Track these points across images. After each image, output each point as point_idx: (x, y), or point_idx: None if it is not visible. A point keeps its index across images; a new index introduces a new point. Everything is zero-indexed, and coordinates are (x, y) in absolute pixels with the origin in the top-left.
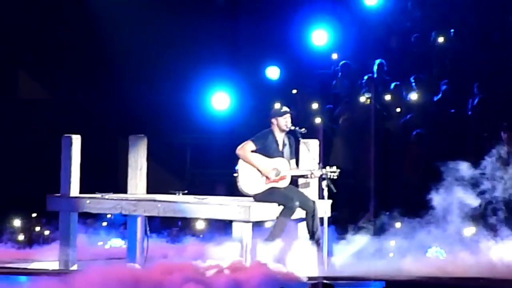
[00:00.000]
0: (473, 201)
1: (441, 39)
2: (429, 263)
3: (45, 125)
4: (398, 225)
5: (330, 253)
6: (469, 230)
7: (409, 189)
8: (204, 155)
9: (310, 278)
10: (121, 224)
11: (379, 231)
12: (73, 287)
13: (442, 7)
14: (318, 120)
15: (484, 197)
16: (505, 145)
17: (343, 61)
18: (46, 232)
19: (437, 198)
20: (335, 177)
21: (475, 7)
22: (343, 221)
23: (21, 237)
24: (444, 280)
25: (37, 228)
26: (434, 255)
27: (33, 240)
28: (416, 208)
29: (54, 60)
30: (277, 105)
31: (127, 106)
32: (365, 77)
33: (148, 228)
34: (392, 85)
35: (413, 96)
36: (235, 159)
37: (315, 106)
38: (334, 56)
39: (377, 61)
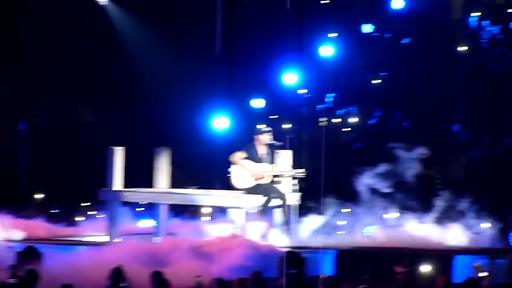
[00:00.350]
0: (392, 190)
1: (376, 80)
2: (366, 236)
3: (97, 139)
4: (345, 210)
5: (297, 231)
6: (392, 212)
7: (353, 185)
8: (209, 161)
9: (283, 248)
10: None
11: (332, 214)
12: (104, 255)
13: (377, 57)
14: (290, 135)
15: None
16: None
17: (308, 95)
18: (98, 215)
19: (370, 190)
20: (303, 176)
21: (398, 58)
22: (307, 208)
23: (79, 218)
24: (376, 249)
25: (91, 212)
26: (369, 231)
27: (88, 221)
28: (358, 197)
29: (103, 93)
30: (260, 126)
31: (155, 126)
32: (321, 106)
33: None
34: (342, 111)
35: (355, 120)
36: (230, 164)
37: (287, 126)
38: (301, 91)
39: (331, 95)
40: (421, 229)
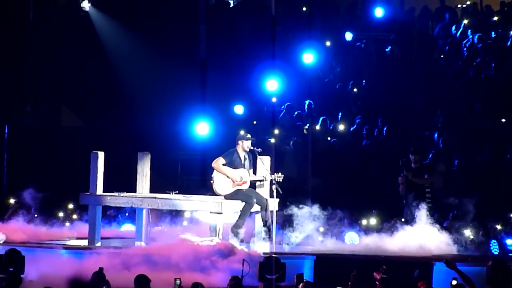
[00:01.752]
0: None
1: (356, 87)
2: (344, 243)
3: (80, 145)
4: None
5: (277, 236)
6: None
7: (335, 191)
8: (190, 167)
9: (263, 253)
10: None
11: (313, 220)
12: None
13: (357, 65)
14: (271, 141)
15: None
16: (413, 164)
17: (287, 103)
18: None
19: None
20: (281, 180)
21: (378, 65)
22: (286, 214)
23: (62, 221)
24: (356, 255)
25: (74, 216)
26: (349, 238)
27: (70, 224)
28: (337, 203)
29: (86, 98)
30: (242, 132)
31: (137, 131)
32: (296, 113)
33: (150, 217)
34: (320, 119)
35: (337, 126)
36: (211, 169)
37: (268, 133)
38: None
39: (307, 102)
40: (405, 236)
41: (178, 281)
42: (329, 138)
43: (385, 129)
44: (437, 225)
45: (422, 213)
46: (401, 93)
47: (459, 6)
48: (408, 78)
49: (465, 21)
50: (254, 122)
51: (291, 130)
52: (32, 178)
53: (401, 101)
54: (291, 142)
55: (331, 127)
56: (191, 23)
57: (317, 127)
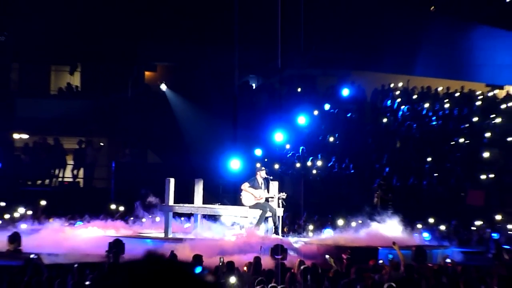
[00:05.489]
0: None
1: (332, 138)
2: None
3: (159, 174)
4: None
5: (282, 234)
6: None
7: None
8: (227, 188)
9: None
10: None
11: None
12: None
13: (332, 125)
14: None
15: None
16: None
17: (292, 152)
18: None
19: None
20: (284, 197)
21: (345, 125)
22: (289, 220)
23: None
24: (332, 244)
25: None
26: (326, 232)
27: (151, 223)
28: (321, 211)
29: (163, 144)
30: (258, 165)
31: (194, 165)
32: (296, 155)
33: (202, 220)
34: (310, 158)
35: (319, 163)
36: (240, 190)
37: (276, 167)
38: (287, 146)
39: (301, 148)
40: (371, 230)
41: (221, 259)
42: (314, 171)
43: (351, 166)
44: (398, 223)
45: (387, 215)
46: (359, 142)
47: (392, 85)
48: (364, 133)
49: (399, 99)
50: (266, 160)
51: (290, 165)
52: (129, 196)
53: (360, 147)
54: (290, 173)
55: (316, 164)
56: (228, 97)
57: (308, 163)
